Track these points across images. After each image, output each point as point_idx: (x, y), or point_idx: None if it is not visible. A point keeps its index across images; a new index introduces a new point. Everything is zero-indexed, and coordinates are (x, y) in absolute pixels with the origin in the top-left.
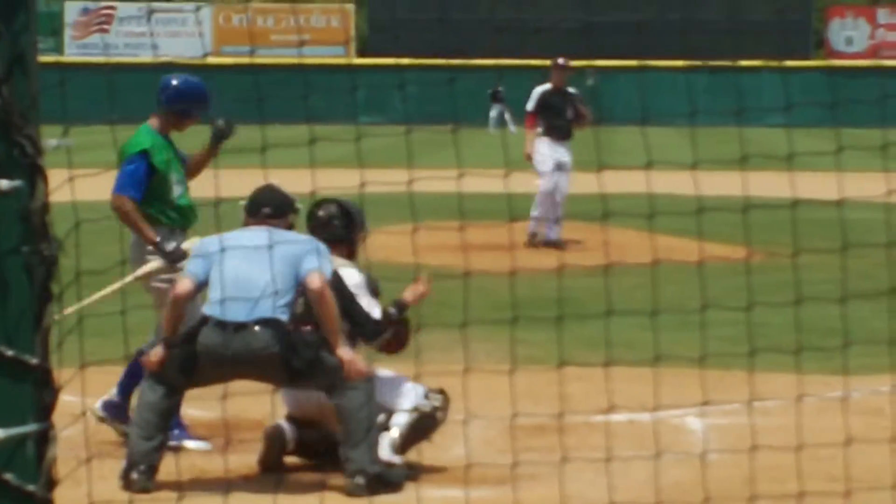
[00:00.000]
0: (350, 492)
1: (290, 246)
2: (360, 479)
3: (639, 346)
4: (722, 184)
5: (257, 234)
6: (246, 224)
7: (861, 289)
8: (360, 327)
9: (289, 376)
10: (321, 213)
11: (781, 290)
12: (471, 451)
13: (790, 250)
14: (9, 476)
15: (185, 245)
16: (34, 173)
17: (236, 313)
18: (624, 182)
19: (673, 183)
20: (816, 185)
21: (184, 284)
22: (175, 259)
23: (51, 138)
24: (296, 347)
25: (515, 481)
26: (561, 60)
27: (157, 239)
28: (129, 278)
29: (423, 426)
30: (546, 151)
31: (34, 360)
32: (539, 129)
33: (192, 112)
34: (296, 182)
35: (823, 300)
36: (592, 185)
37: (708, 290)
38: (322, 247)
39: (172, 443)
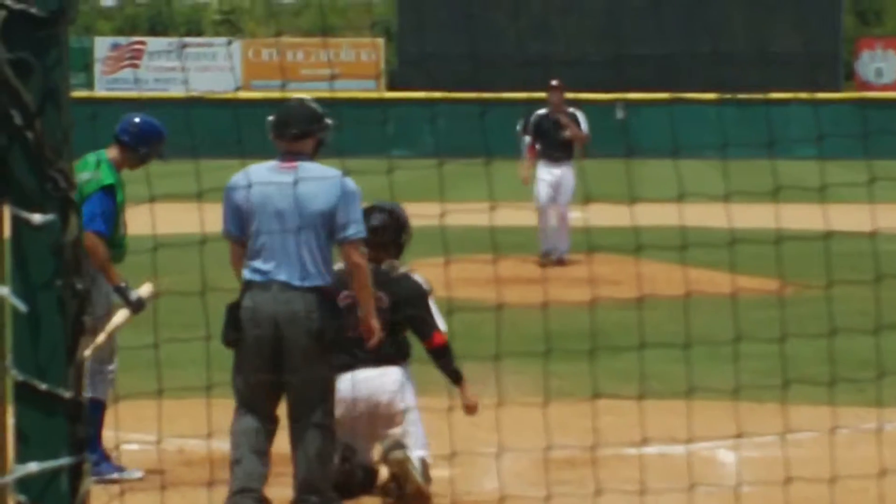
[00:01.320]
0: None
1: (323, 193)
2: None
3: (671, 379)
4: (754, 216)
5: (286, 179)
6: (276, 145)
7: (894, 320)
8: (421, 332)
9: (317, 349)
10: (374, 222)
11: (814, 321)
12: (503, 483)
13: (823, 282)
14: None
15: (143, 294)
16: (66, 207)
17: (275, 274)
18: (655, 215)
19: (704, 215)
20: (849, 217)
21: (233, 251)
22: (137, 309)
23: (83, 172)
24: (329, 320)
25: None
26: (554, 82)
27: (123, 284)
28: (103, 336)
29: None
30: (542, 176)
31: (67, 394)
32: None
33: (153, 153)
34: None
35: (857, 332)
36: (624, 218)
37: (740, 323)
38: (353, 190)
39: (106, 477)
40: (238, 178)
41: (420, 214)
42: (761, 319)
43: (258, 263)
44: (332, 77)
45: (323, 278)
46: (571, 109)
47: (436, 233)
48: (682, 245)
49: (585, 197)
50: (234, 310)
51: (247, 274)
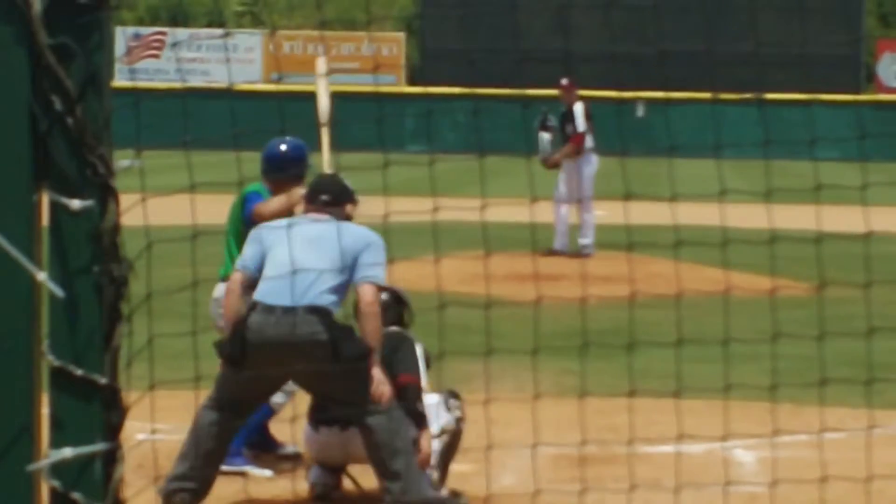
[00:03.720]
0: None
1: (349, 238)
2: None
3: (688, 377)
4: (791, 217)
5: (317, 223)
6: (306, 211)
7: None
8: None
9: (335, 364)
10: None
11: (850, 322)
12: (522, 480)
13: (859, 284)
14: (76, 495)
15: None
16: (106, 193)
17: (284, 298)
18: (689, 214)
19: (742, 215)
20: (886, 219)
21: (235, 278)
22: None
23: (122, 160)
24: (346, 336)
25: None
26: (564, 81)
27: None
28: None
29: (453, 444)
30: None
31: (103, 380)
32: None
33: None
34: (371, 205)
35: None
36: (654, 217)
37: (760, 323)
38: (380, 243)
39: (234, 468)
40: (273, 223)
41: (460, 207)
42: (791, 319)
43: (267, 281)
44: (376, 67)
45: (331, 304)
46: (578, 106)
47: (475, 227)
48: (724, 241)
49: (626, 194)
50: (240, 328)
51: (255, 294)
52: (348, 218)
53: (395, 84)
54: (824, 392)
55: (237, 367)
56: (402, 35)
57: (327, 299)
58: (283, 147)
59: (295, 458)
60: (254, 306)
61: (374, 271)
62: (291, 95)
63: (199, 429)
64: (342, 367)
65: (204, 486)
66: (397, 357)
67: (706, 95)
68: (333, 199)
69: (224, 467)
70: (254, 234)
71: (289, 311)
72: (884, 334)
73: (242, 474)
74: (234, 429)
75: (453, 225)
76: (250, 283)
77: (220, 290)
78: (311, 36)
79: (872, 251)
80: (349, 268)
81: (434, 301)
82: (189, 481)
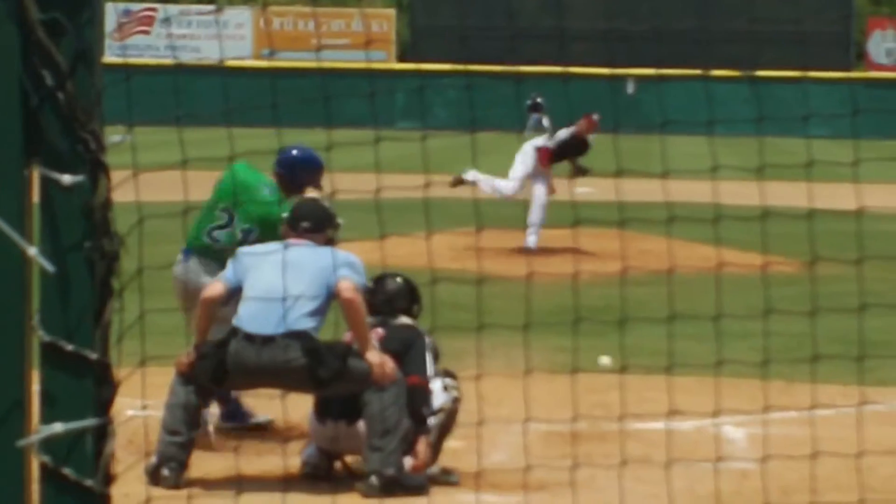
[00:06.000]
0: (364, 493)
1: (324, 259)
2: (373, 480)
3: (679, 354)
4: (786, 194)
5: (293, 249)
6: (285, 236)
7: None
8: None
9: (315, 386)
10: (386, 288)
11: (841, 299)
12: (512, 456)
13: (851, 261)
14: (67, 470)
15: None
16: (97, 169)
17: (264, 326)
18: (681, 191)
19: (734, 192)
20: (877, 196)
21: (215, 288)
22: None
23: (113, 135)
24: (322, 358)
25: (554, 487)
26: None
27: None
28: None
29: (448, 423)
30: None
31: (94, 356)
32: None
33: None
34: (362, 181)
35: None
36: (643, 194)
37: (742, 299)
38: (355, 260)
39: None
40: (251, 248)
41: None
42: (782, 296)
43: (247, 308)
44: (367, 43)
45: (310, 326)
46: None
47: (467, 204)
48: (715, 216)
49: (618, 170)
50: (220, 353)
51: (235, 320)
52: (330, 243)
53: (386, 60)
54: (815, 369)
55: (217, 385)
56: (392, 11)
57: (307, 323)
58: (295, 152)
59: (264, 428)
60: (234, 332)
61: (351, 272)
62: (282, 71)
63: (171, 405)
64: (323, 382)
65: (185, 461)
66: (409, 356)
67: (697, 72)
68: (314, 225)
69: (229, 424)
70: (236, 256)
71: (268, 339)
72: (875, 311)
73: (250, 428)
74: (201, 403)
75: (445, 201)
76: (229, 297)
77: (178, 268)
78: (301, 12)
79: (864, 228)
80: (326, 282)
81: (426, 277)
82: (172, 459)
